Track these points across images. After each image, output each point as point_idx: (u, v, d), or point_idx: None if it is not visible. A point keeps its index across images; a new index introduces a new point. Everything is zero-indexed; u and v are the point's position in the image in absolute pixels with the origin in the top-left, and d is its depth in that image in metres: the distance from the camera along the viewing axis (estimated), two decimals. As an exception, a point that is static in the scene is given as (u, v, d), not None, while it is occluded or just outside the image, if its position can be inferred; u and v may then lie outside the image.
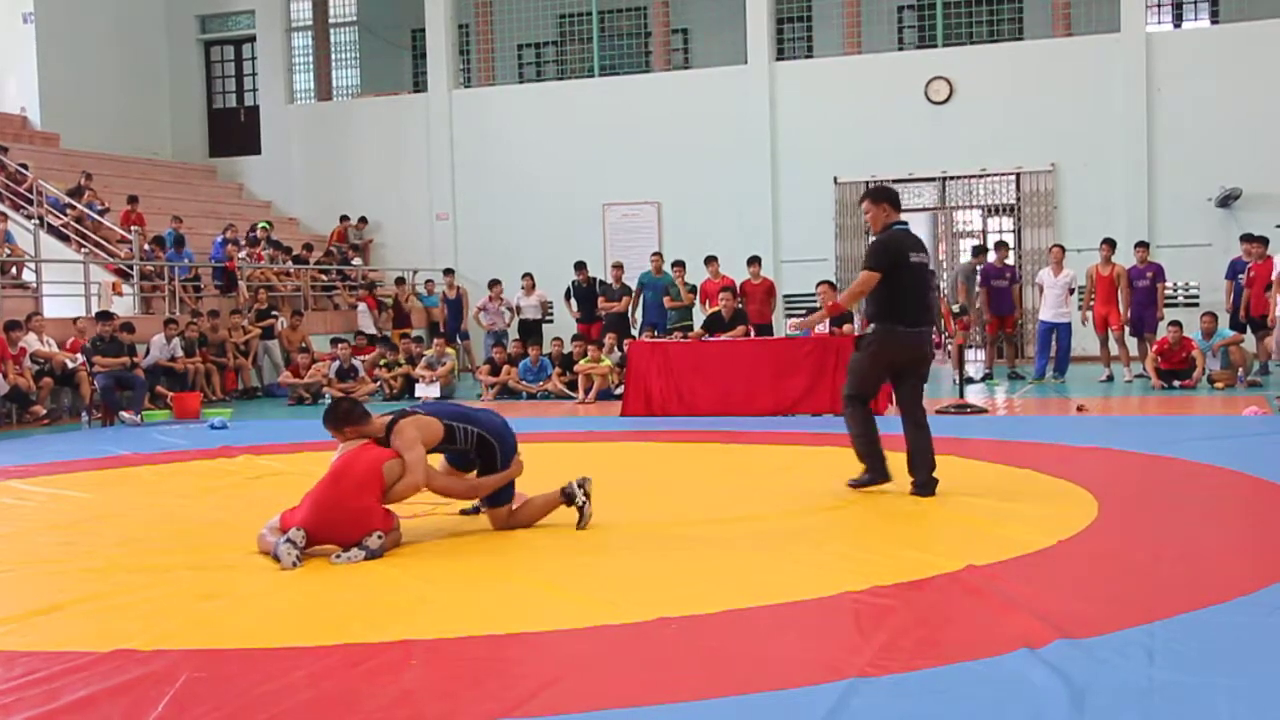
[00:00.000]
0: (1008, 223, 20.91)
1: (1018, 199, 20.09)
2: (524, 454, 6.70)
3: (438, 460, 6.72)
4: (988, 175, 20.26)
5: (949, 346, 16.70)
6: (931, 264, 23.07)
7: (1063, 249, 16.36)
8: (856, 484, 7.63)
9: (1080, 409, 12.33)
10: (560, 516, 6.64)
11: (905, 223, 7.70)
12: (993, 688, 3.78)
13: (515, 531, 6.56)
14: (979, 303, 16.07)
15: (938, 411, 12.48)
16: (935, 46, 20.64)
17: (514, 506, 6.66)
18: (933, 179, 20.57)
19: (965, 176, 20.38)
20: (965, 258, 18.33)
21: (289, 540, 5.86)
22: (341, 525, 5.98)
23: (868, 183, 20.40)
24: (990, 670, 3.94)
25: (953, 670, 3.96)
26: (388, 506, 6.23)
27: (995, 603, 4.74)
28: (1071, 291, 15.90)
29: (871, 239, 7.87)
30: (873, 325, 7.52)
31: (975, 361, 17.95)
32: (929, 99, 20.13)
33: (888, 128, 20.14)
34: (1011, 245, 19.45)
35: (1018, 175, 19.95)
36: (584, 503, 6.54)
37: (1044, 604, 4.66)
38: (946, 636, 4.38)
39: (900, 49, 21.97)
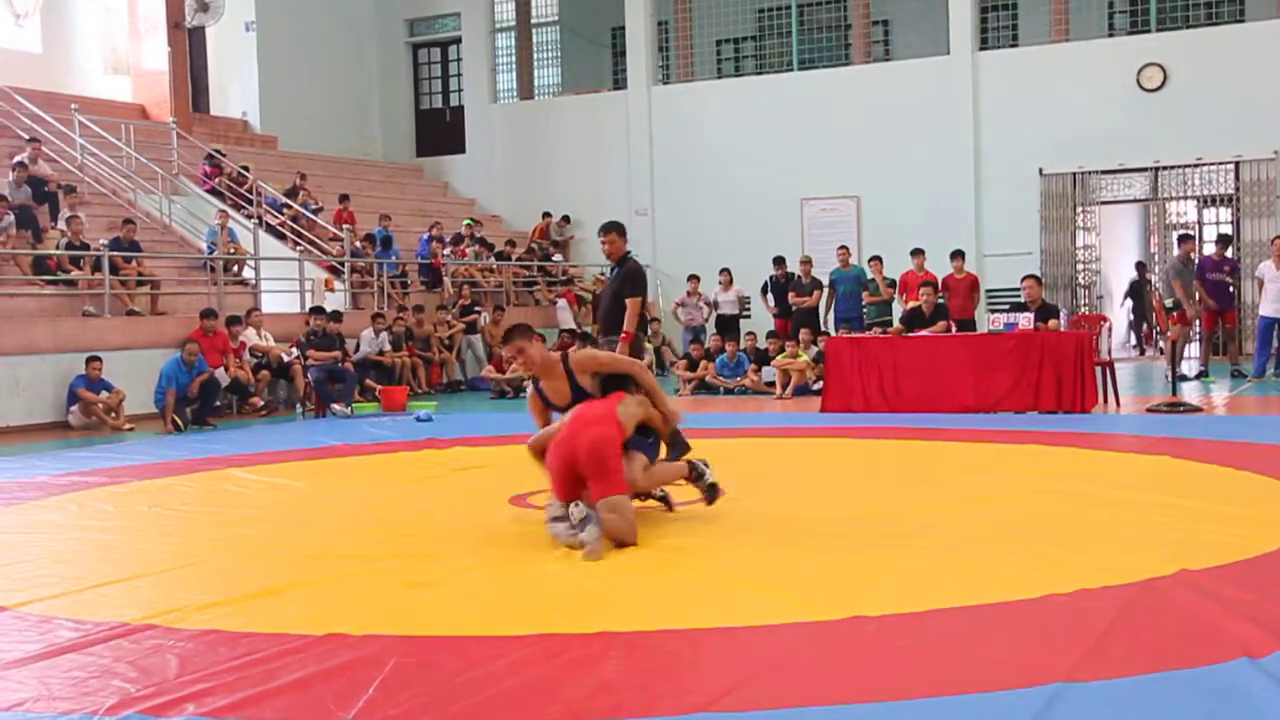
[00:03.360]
0: (1225, 213, 20.02)
1: (1236, 189, 19.20)
2: (724, 449, 6.69)
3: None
4: (1203, 164, 19.41)
5: (1161, 343, 16.09)
6: (1142, 256, 22.46)
7: (1287, 240, 15.59)
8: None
9: (1304, 408, 11.73)
10: (753, 513, 6.63)
11: (630, 250, 9.00)
12: (1209, 698, 3.61)
13: (705, 526, 6.53)
14: (1196, 295, 15.42)
15: (1149, 410, 12.05)
16: (1149, 31, 19.87)
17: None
18: (1144, 169, 19.83)
19: (1179, 166, 19.57)
20: (1176, 251, 17.62)
21: (558, 517, 5.99)
22: (588, 459, 6.04)
23: (1075, 174, 19.85)
24: (1206, 680, 3.76)
25: (1165, 678, 3.79)
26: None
27: (1212, 609, 4.51)
28: (1294, 285, 15.17)
29: (612, 264, 8.90)
30: (611, 336, 8.62)
31: (1190, 358, 17.25)
32: (1141, 86, 19.40)
33: (1096, 117, 19.48)
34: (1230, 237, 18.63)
35: (1236, 164, 19.06)
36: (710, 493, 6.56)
37: (1266, 611, 4.43)
38: (1159, 643, 4.19)
39: (1110, 35, 21.21)
